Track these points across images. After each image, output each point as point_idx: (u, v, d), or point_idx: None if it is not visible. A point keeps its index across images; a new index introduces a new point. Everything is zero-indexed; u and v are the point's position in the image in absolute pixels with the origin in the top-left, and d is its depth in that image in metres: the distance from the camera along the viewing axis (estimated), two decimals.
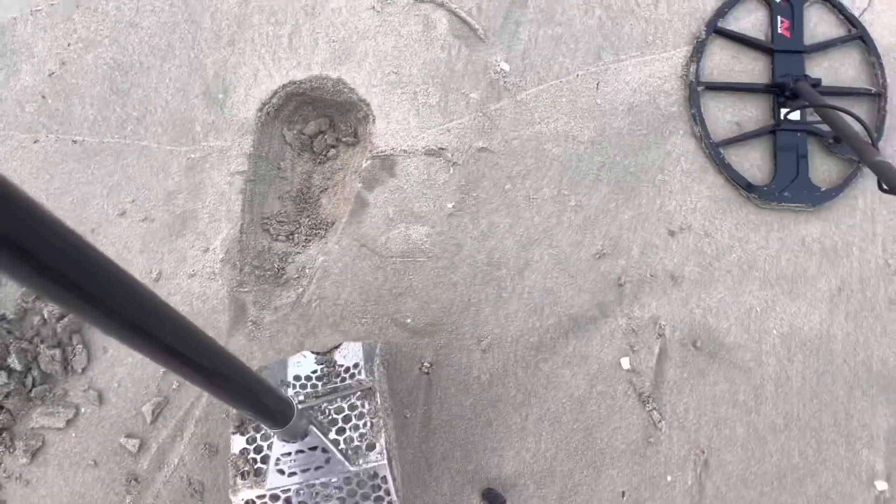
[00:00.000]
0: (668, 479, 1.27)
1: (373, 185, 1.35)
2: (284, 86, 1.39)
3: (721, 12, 1.44)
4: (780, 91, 1.37)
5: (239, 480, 0.89)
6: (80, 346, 1.29)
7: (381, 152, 1.32)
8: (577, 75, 1.41)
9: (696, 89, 1.38)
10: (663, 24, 1.45)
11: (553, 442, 1.27)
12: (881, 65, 1.40)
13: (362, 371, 1.01)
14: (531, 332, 1.32)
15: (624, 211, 1.37)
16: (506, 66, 1.40)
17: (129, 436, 1.24)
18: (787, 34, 1.42)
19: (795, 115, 1.35)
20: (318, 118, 1.44)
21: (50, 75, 1.41)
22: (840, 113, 1.19)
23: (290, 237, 1.39)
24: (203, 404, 1.27)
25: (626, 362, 1.32)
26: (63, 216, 1.14)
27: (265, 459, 0.90)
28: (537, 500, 1.24)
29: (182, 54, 1.40)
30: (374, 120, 1.38)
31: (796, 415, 1.31)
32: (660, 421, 1.29)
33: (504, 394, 1.29)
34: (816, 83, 1.35)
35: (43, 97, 1.39)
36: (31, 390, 1.27)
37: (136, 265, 1.32)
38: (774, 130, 1.36)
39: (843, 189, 1.32)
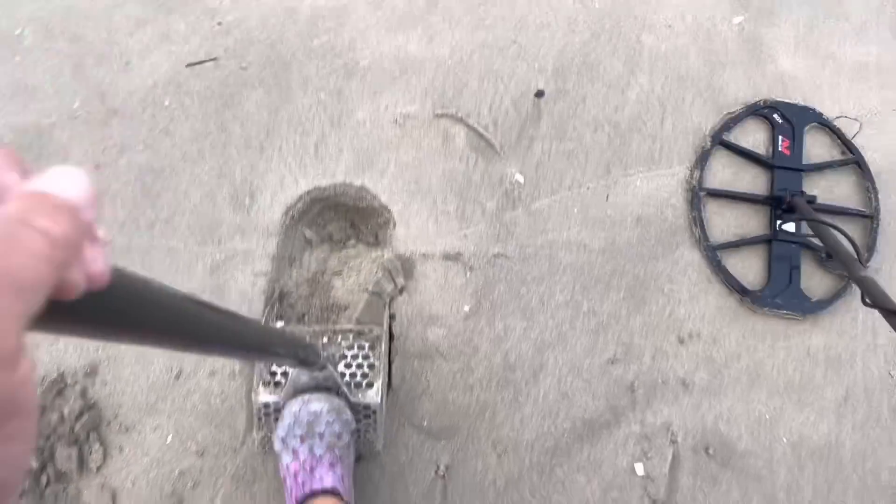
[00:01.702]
0: None
1: (390, 285, 2.14)
2: (309, 191, 2.17)
3: (726, 126, 2.19)
4: (777, 204, 2.06)
5: (261, 387, 1.65)
6: (96, 444, 1.95)
7: (401, 255, 2.14)
8: (588, 187, 2.26)
9: (699, 194, 2.08)
10: (668, 142, 2.31)
11: None
12: (874, 189, 2.14)
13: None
14: (546, 436, 2.02)
15: (635, 317, 2.14)
16: (520, 178, 2.24)
17: None
18: (787, 152, 2.16)
19: (790, 227, 2.04)
20: (339, 221, 2.27)
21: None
22: (830, 228, 1.82)
23: (301, 319, 2.12)
24: (220, 502, 1.92)
25: (640, 468, 2.02)
26: None
27: (285, 375, 1.65)
28: None
29: (212, 160, 2.22)
30: (394, 225, 2.20)
31: None
32: None
33: (519, 499, 1.96)
34: (812, 199, 2.04)
35: None
36: (45, 489, 1.92)
37: (158, 363, 2.03)
38: (770, 240, 2.05)
39: (832, 302, 2.00)
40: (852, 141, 2.25)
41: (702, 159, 2.17)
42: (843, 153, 2.26)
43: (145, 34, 2.22)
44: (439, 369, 1.94)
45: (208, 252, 2.02)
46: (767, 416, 1.96)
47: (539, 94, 2.20)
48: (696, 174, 2.15)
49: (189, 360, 1.93)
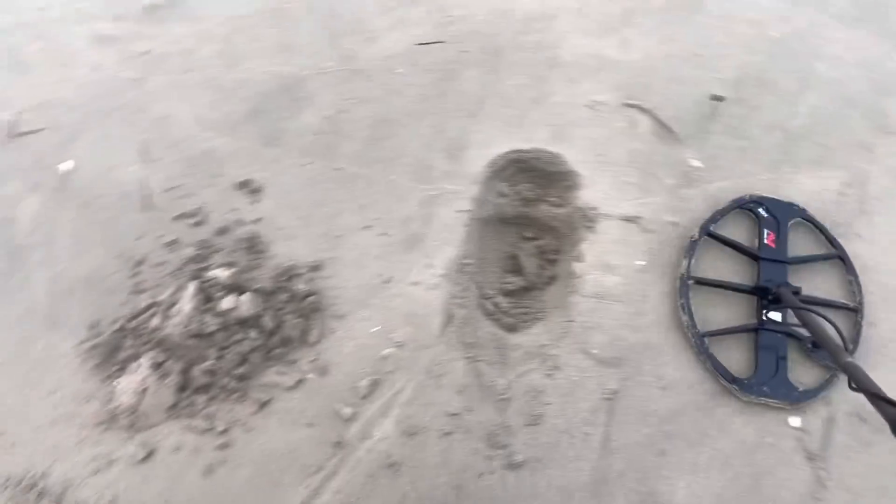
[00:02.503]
0: None
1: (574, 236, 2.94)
2: (510, 152, 3.02)
3: (714, 218, 2.52)
4: (764, 294, 2.33)
5: None
6: (317, 321, 2.78)
7: (587, 204, 2.97)
8: (759, 178, 3.01)
9: (687, 282, 2.38)
10: (834, 150, 3.05)
11: (722, 481, 2.45)
12: (858, 283, 2.45)
13: None
14: (709, 380, 2.66)
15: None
16: (697, 163, 3.03)
17: (344, 404, 2.63)
18: (773, 245, 2.47)
19: (777, 316, 2.31)
20: (530, 183, 3.16)
21: (327, 118, 3.19)
22: (816, 317, 2.06)
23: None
24: (411, 389, 2.66)
25: (795, 421, 2.58)
26: (320, 220, 2.86)
27: None
28: None
29: (431, 118, 3.12)
30: (580, 187, 3.07)
31: None
32: (827, 480, 2.52)
33: (679, 430, 2.55)
34: (797, 291, 2.29)
35: (318, 133, 3.05)
36: (271, 351, 2.72)
37: (372, 268, 2.81)
38: (757, 329, 2.31)
39: (819, 392, 2.25)
40: (836, 238, 2.59)
41: (690, 249, 2.52)
42: (826, 248, 2.60)
43: (389, 18, 3.30)
44: (611, 309, 2.72)
45: (421, 188, 2.93)
46: None
47: (718, 98, 3.08)
48: (685, 263, 2.48)
49: (398, 270, 2.75)
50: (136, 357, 2.33)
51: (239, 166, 2.77)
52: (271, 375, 2.38)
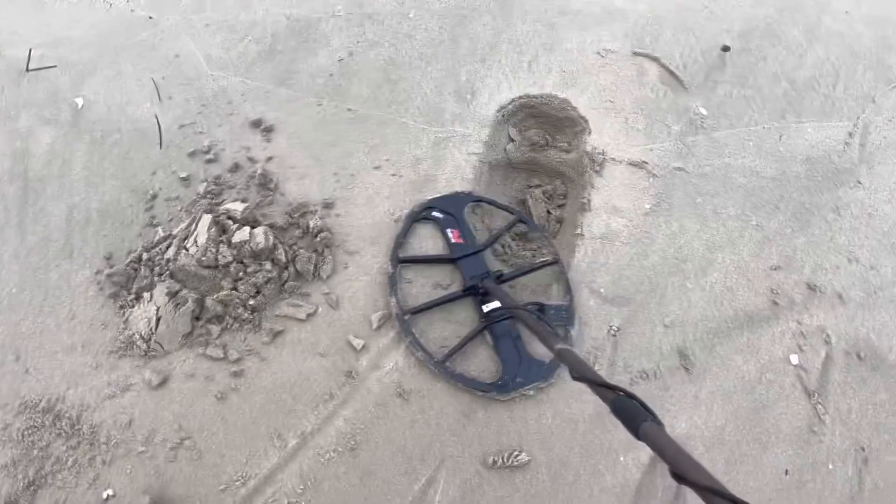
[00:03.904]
0: (830, 467, 2.46)
1: (581, 177, 2.97)
2: (520, 97, 2.99)
3: (398, 244, 2.46)
4: (474, 293, 2.32)
5: None
6: (329, 257, 2.80)
7: (594, 149, 2.99)
8: (764, 127, 3.02)
9: (405, 318, 2.28)
10: (839, 101, 3.08)
11: (723, 414, 2.52)
12: (545, 237, 2.54)
13: None
14: (710, 318, 2.67)
15: (799, 236, 2.80)
16: (704, 111, 3.04)
17: (356, 336, 2.66)
18: (462, 241, 2.46)
19: (496, 304, 2.25)
20: (539, 128, 3.18)
21: (339, 60, 3.17)
22: (524, 312, 1.99)
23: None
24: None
25: (794, 358, 2.64)
26: (332, 160, 2.87)
27: None
28: (706, 460, 2.43)
29: (443, 62, 3.14)
30: (589, 133, 3.07)
31: None
32: (824, 414, 2.56)
33: (680, 365, 2.66)
34: (500, 274, 2.35)
35: (331, 75, 3.09)
36: (284, 283, 2.73)
37: (383, 207, 2.83)
38: (485, 327, 2.27)
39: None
40: (509, 205, 2.63)
41: (392, 283, 2.44)
42: (505, 217, 2.66)
43: None
44: (619, 250, 2.75)
45: (433, 130, 2.94)
46: None
47: (725, 48, 3.08)
48: (393, 300, 2.40)
49: (408, 210, 2.81)
50: (150, 287, 2.35)
51: (251, 105, 2.78)
52: (285, 307, 2.40)
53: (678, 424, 2.17)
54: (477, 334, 2.33)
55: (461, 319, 2.42)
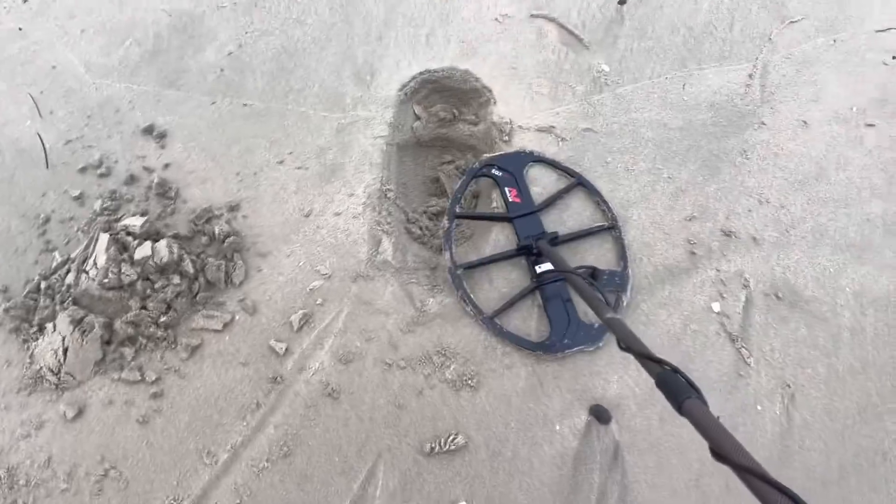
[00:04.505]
0: (759, 408, 2.51)
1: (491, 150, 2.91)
2: (421, 73, 2.86)
3: (456, 199, 2.46)
4: (528, 252, 2.31)
5: None
6: (240, 262, 2.70)
7: (501, 119, 2.93)
8: (666, 78, 3.00)
9: (457, 273, 2.30)
10: (737, 44, 3.05)
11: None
12: (605, 201, 2.47)
13: None
14: (631, 276, 2.75)
15: (710, 184, 2.81)
16: (606, 68, 3.01)
17: (277, 340, 2.59)
18: (518, 200, 2.45)
19: (548, 265, 2.25)
20: (444, 102, 3.10)
21: (229, 54, 3.02)
22: (576, 278, 1.95)
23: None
24: (343, 318, 2.63)
25: (716, 306, 2.68)
26: (232, 160, 2.77)
27: None
28: (640, 419, 2.48)
29: (337, 45, 3.04)
30: (494, 103, 3.01)
31: (871, 360, 2.66)
32: (748, 357, 2.60)
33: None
34: (555, 237, 2.32)
35: (222, 70, 2.97)
36: (196, 295, 2.63)
37: (291, 203, 2.75)
38: (536, 287, 2.27)
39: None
40: (570, 168, 2.60)
41: (447, 239, 2.45)
42: (566, 180, 2.63)
43: None
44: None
45: (335, 117, 2.83)
46: (831, 270, 2.69)
47: (621, 1, 3.03)
48: (447, 255, 2.42)
49: (318, 202, 2.66)
50: (53, 316, 2.22)
51: (141, 112, 2.63)
52: (199, 320, 2.32)
53: (609, 387, 2.18)
54: (528, 294, 2.36)
55: (513, 278, 2.43)
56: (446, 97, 2.69)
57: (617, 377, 2.25)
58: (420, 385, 2.15)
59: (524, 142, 2.58)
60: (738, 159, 2.63)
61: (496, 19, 2.77)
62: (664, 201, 2.54)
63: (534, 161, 2.63)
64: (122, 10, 2.80)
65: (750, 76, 2.74)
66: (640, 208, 2.53)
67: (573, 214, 2.58)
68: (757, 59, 2.79)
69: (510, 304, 2.33)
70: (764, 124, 2.67)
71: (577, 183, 2.59)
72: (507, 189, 2.55)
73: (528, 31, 2.76)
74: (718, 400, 2.19)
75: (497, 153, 2.60)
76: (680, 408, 1.25)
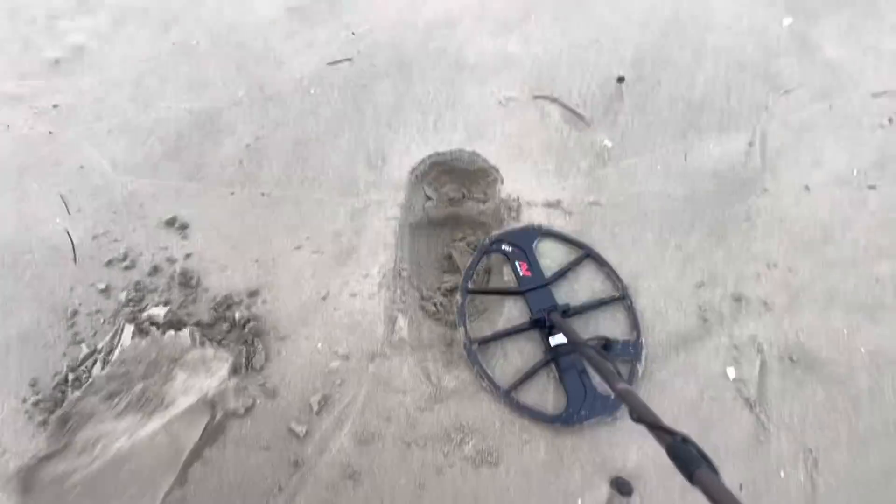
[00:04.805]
0: (782, 474, 2.50)
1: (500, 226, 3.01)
2: (430, 156, 3.09)
3: (468, 275, 2.55)
4: (541, 325, 2.33)
5: None
6: (260, 346, 2.78)
7: (509, 196, 3.04)
8: (668, 149, 3.09)
9: (472, 348, 2.35)
10: (734, 114, 3.15)
11: None
12: (613, 271, 2.53)
13: None
14: (645, 346, 2.78)
15: (717, 250, 2.85)
16: (609, 143, 3.14)
17: (298, 422, 2.63)
18: (529, 273, 2.50)
19: (561, 338, 2.28)
20: (453, 183, 3.22)
21: (246, 146, 3.19)
22: (588, 349, 1.98)
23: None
24: (361, 398, 2.68)
25: (731, 372, 2.69)
26: (251, 247, 2.88)
27: None
28: (662, 490, 2.48)
29: (350, 133, 3.20)
30: (502, 181, 3.13)
31: (892, 420, 2.64)
32: (767, 423, 2.61)
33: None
34: (566, 309, 2.35)
35: (240, 162, 3.14)
36: None
37: (308, 287, 2.89)
38: (551, 360, 2.31)
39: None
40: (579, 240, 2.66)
41: (461, 314, 2.52)
42: (575, 252, 2.69)
43: (295, 42, 3.34)
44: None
45: (349, 202, 2.97)
46: (845, 331, 2.72)
47: (620, 79, 3.19)
48: (462, 330, 2.48)
49: (334, 285, 2.78)
50: None
51: (163, 205, 2.77)
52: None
53: (629, 458, 2.20)
54: (543, 366, 2.39)
55: (527, 351, 2.48)
56: (455, 177, 2.81)
57: (636, 447, 2.27)
58: (440, 463, 2.16)
59: (532, 217, 2.68)
60: (744, 225, 2.70)
61: (500, 102, 2.92)
62: (674, 270, 2.60)
63: (542, 235, 2.70)
64: (145, 110, 2.98)
65: (750, 144, 2.84)
66: (650, 278, 2.59)
67: (584, 286, 2.64)
68: (755, 127, 2.89)
69: (526, 377, 2.37)
70: (767, 190, 2.75)
71: (586, 255, 2.65)
72: (517, 263, 2.62)
73: (531, 111, 2.90)
74: (740, 468, 2.20)
75: (506, 229, 2.69)
76: (691, 477, 1.28)
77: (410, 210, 2.76)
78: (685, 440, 1.39)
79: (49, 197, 2.86)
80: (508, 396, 2.31)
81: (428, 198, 2.81)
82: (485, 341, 2.45)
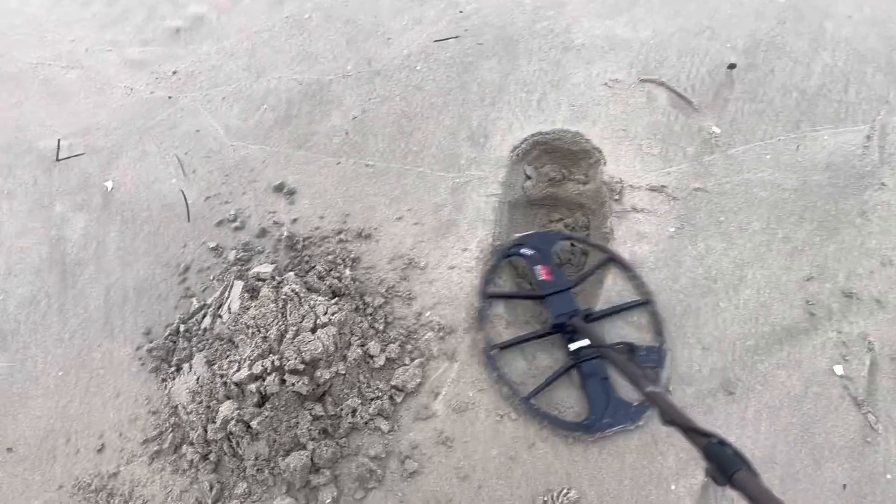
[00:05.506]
0: (888, 476, 2.43)
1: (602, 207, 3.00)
2: (532, 135, 3.09)
3: (488, 280, 2.50)
4: (562, 330, 2.29)
5: None
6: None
7: (612, 178, 3.03)
8: (779, 139, 3.03)
9: (491, 353, 2.31)
10: (853, 106, 3.12)
11: (772, 433, 2.49)
12: (638, 276, 2.45)
13: None
14: (747, 336, 2.66)
15: (828, 244, 2.81)
16: (717, 130, 3.08)
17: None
18: (549, 277, 2.44)
19: (584, 342, 2.21)
20: (554, 163, 3.23)
21: (353, 118, 3.30)
22: (613, 352, 1.94)
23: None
24: (456, 368, 2.73)
25: (839, 369, 2.61)
26: (354, 216, 2.95)
27: None
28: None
29: (454, 109, 3.25)
30: (605, 163, 3.12)
31: None
32: (876, 423, 2.52)
33: (723, 388, 2.64)
34: (589, 313, 2.31)
35: (347, 133, 3.23)
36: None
37: (408, 257, 2.99)
38: (572, 366, 2.25)
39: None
40: (604, 244, 2.61)
41: (480, 320, 2.47)
42: (598, 256, 2.63)
43: (403, 18, 3.41)
44: (647, 276, 2.76)
45: (450, 177, 3.01)
46: None
47: (731, 66, 3.12)
48: (481, 335, 2.44)
49: (434, 256, 2.79)
50: (190, 357, 2.42)
51: (272, 171, 2.88)
52: None
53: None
54: (564, 373, 2.33)
55: (548, 357, 2.44)
56: (556, 158, 2.82)
57: (734, 438, 2.24)
58: (532, 438, 2.18)
59: (634, 200, 2.66)
60: (858, 220, 2.60)
61: (606, 84, 2.90)
62: (780, 261, 2.54)
63: (563, 239, 2.66)
64: (258, 79, 3.10)
65: (868, 137, 2.73)
66: (755, 268, 2.53)
67: (606, 290, 2.57)
68: (875, 120, 2.78)
69: (546, 383, 2.31)
70: (885, 185, 2.64)
71: (609, 258, 2.59)
72: (537, 267, 2.55)
73: (637, 94, 2.87)
74: (844, 466, 2.13)
75: (526, 232, 2.67)
76: (731, 480, 1.23)
77: (510, 188, 2.78)
78: (722, 442, 1.33)
79: (166, 158, 3.01)
80: (528, 403, 2.25)
81: (527, 177, 2.82)
82: (504, 346, 2.39)
